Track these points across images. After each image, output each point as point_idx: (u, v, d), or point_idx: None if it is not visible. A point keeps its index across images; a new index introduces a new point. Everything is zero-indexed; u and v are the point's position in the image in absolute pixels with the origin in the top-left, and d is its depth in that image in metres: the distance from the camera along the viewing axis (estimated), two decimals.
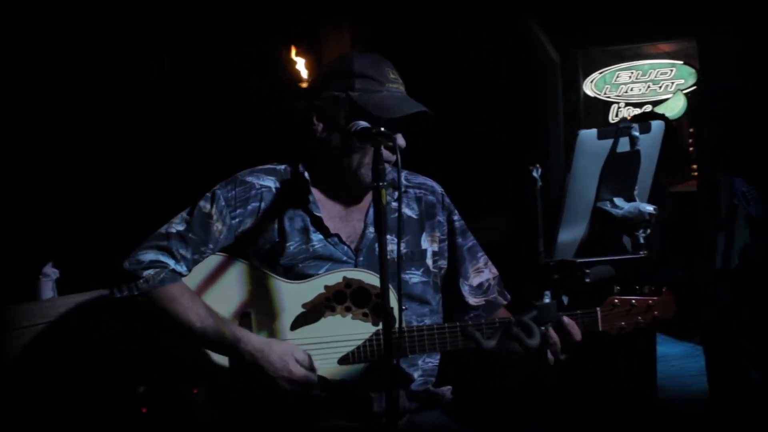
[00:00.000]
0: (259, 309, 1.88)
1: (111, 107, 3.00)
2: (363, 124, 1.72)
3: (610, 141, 1.37)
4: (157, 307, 1.78)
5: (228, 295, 1.89)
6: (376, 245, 1.92)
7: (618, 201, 1.40)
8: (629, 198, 1.41)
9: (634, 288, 1.86)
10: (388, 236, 1.97)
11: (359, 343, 1.83)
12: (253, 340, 1.79)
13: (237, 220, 1.90)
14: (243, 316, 1.87)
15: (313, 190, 1.95)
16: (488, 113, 4.23)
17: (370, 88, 1.84)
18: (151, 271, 1.78)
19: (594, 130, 1.34)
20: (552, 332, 1.72)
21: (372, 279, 1.86)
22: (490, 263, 2.09)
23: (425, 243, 2.01)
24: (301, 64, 3.29)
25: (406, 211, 2.03)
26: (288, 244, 1.90)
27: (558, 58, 5.94)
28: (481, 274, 2.05)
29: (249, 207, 1.91)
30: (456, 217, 2.09)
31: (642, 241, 1.38)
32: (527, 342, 1.18)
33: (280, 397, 1.78)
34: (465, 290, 2.03)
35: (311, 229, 1.93)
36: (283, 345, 1.82)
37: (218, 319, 1.80)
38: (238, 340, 1.77)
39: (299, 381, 1.77)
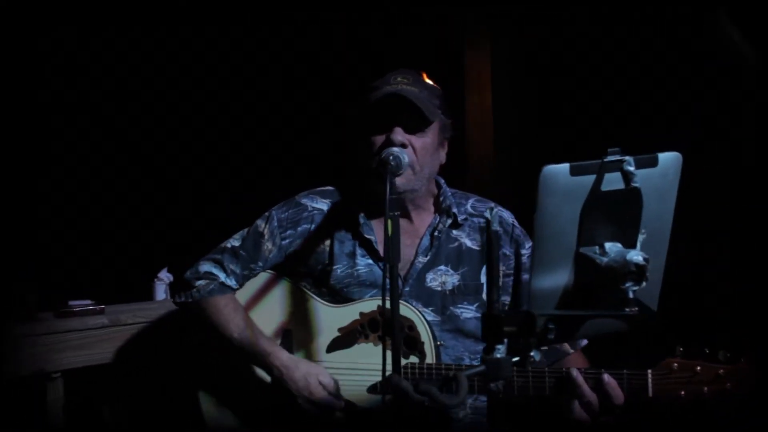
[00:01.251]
0: (299, 328, 1.93)
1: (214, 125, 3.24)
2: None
3: (590, 177, 1.17)
4: (204, 315, 1.91)
5: (272, 312, 1.96)
6: (427, 275, 1.88)
7: (610, 246, 1.19)
8: (630, 245, 1.19)
9: (703, 350, 1.57)
10: (443, 267, 1.91)
11: (388, 374, 1.78)
12: (283, 356, 1.84)
13: (287, 240, 1.95)
14: (285, 333, 1.93)
15: (364, 213, 1.95)
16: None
17: (371, 95, 1.84)
18: (203, 282, 1.92)
19: (565, 165, 1.15)
20: (587, 390, 1.54)
21: (406, 311, 1.81)
22: None
23: (485, 277, 1.91)
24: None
25: (466, 241, 1.95)
26: (335, 267, 1.93)
27: None
28: None
29: (299, 228, 1.96)
30: (526, 251, 1.95)
31: (631, 296, 1.16)
32: (438, 398, 1.06)
33: (300, 414, 1.81)
34: None
35: (359, 252, 1.93)
36: (310, 366, 1.84)
37: (255, 332, 1.88)
38: (268, 353, 1.84)
39: (318, 402, 1.79)
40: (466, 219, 1.96)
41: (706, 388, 1.54)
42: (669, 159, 1.20)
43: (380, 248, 1.92)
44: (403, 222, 1.87)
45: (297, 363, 1.84)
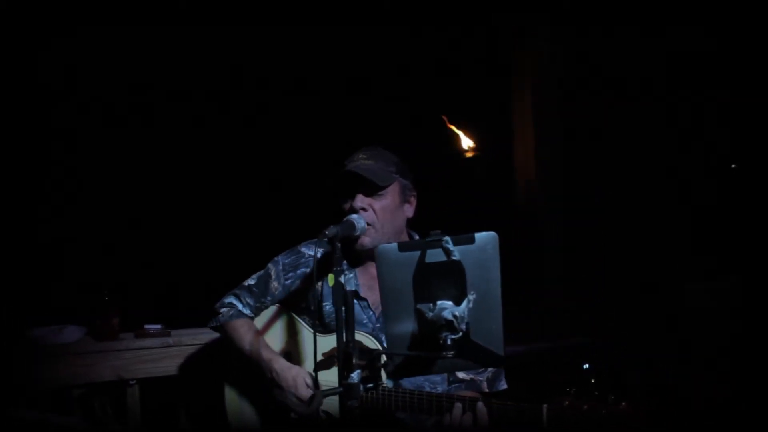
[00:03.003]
0: (295, 351, 2.41)
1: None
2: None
3: (416, 253, 1.54)
4: (226, 334, 2.46)
5: (277, 337, 2.48)
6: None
7: (440, 303, 1.55)
8: (458, 303, 1.55)
9: (593, 393, 1.79)
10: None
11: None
12: (279, 363, 2.31)
13: (290, 281, 2.44)
14: (285, 355, 2.42)
15: (347, 261, 2.37)
16: None
17: (338, 171, 2.26)
18: (225, 310, 2.47)
19: (394, 245, 1.53)
20: (456, 414, 1.85)
21: (369, 342, 2.21)
22: None
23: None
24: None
25: None
26: (324, 304, 2.38)
27: None
28: None
29: (299, 272, 2.44)
30: None
31: (449, 342, 1.51)
32: (292, 406, 1.47)
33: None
34: None
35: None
36: (300, 370, 2.28)
37: (261, 345, 2.38)
38: (270, 360, 2.32)
39: (302, 397, 2.20)
40: None
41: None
42: (485, 237, 1.55)
43: (363, 290, 2.34)
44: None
45: (290, 368, 2.28)
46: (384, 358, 1.56)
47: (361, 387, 1.58)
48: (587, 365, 3.28)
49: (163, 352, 2.96)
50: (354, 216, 2.18)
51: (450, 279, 1.55)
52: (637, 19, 3.40)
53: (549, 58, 3.78)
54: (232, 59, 3.68)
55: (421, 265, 1.55)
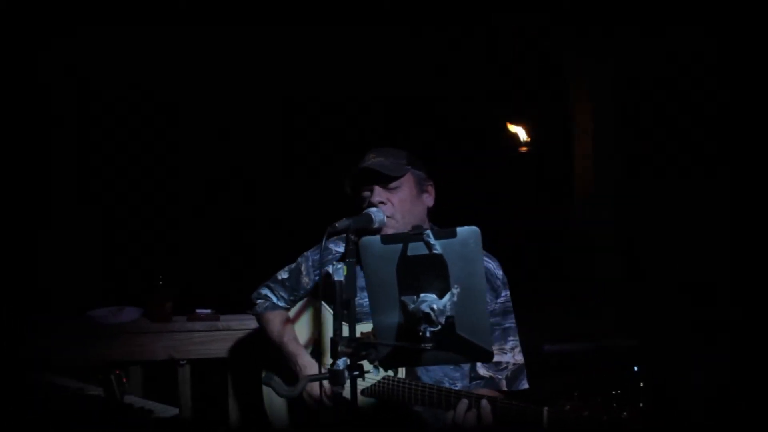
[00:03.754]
0: (323, 340, 2.49)
1: None
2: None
3: (399, 245, 1.57)
4: (261, 325, 2.58)
5: (307, 327, 2.57)
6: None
7: (423, 296, 1.57)
8: (441, 296, 1.57)
9: (596, 399, 1.76)
10: None
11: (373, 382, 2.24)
12: (304, 359, 2.41)
13: (319, 277, 2.53)
14: (315, 342, 2.52)
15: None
16: None
17: (354, 171, 2.31)
18: (261, 301, 2.59)
19: (377, 237, 1.57)
20: (460, 410, 1.88)
21: None
22: (517, 350, 2.28)
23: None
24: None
25: None
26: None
27: None
28: (503, 355, 2.24)
29: (325, 268, 2.53)
30: (502, 299, 2.31)
31: (428, 335, 1.53)
32: (277, 389, 1.55)
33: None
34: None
35: (361, 287, 2.44)
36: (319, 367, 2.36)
37: (289, 338, 2.48)
38: (294, 355, 2.43)
39: (315, 398, 2.30)
40: None
41: None
42: (467, 231, 1.56)
43: None
44: None
45: (313, 366, 2.37)
46: (368, 347, 1.60)
47: (346, 373, 1.63)
48: (636, 368, 3.18)
49: (212, 336, 3.12)
50: (373, 209, 2.23)
51: (432, 272, 1.58)
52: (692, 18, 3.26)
53: (603, 60, 3.68)
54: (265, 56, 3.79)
55: (404, 258, 1.58)
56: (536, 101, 3.86)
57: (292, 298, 2.56)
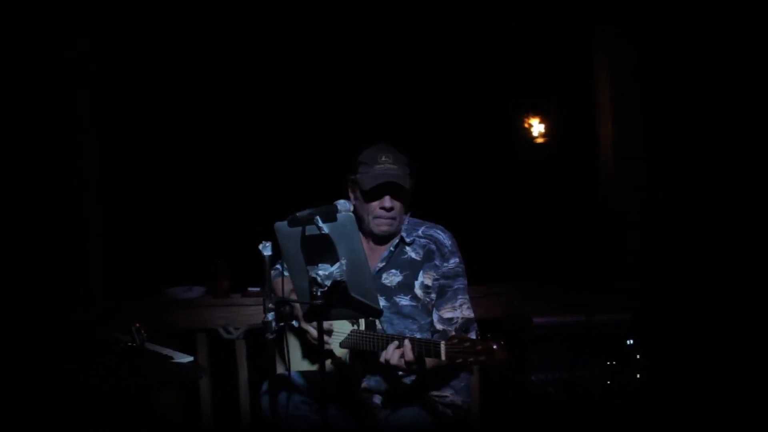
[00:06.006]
0: None
1: None
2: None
3: (299, 228, 2.11)
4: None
5: None
6: (383, 275, 2.82)
7: (321, 266, 2.11)
8: (333, 266, 2.10)
9: (479, 335, 2.26)
10: (393, 270, 2.83)
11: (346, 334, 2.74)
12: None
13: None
14: None
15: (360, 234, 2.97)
16: None
17: (364, 170, 2.77)
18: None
19: (285, 222, 2.12)
20: (389, 348, 2.38)
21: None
22: (465, 307, 2.75)
23: (421, 278, 2.77)
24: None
25: (412, 254, 2.83)
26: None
27: None
28: (454, 311, 2.72)
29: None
30: (451, 264, 2.79)
31: (319, 294, 2.07)
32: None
33: None
34: (435, 318, 2.75)
35: None
36: None
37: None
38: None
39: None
40: (413, 240, 2.82)
41: (471, 358, 2.20)
42: (344, 216, 2.08)
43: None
44: (377, 245, 2.85)
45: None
46: (284, 305, 2.17)
47: (273, 324, 2.20)
48: (630, 341, 3.45)
49: (260, 309, 3.80)
50: (341, 201, 2.74)
51: (324, 247, 2.12)
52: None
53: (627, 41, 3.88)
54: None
55: (304, 237, 2.13)
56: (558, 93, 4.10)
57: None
